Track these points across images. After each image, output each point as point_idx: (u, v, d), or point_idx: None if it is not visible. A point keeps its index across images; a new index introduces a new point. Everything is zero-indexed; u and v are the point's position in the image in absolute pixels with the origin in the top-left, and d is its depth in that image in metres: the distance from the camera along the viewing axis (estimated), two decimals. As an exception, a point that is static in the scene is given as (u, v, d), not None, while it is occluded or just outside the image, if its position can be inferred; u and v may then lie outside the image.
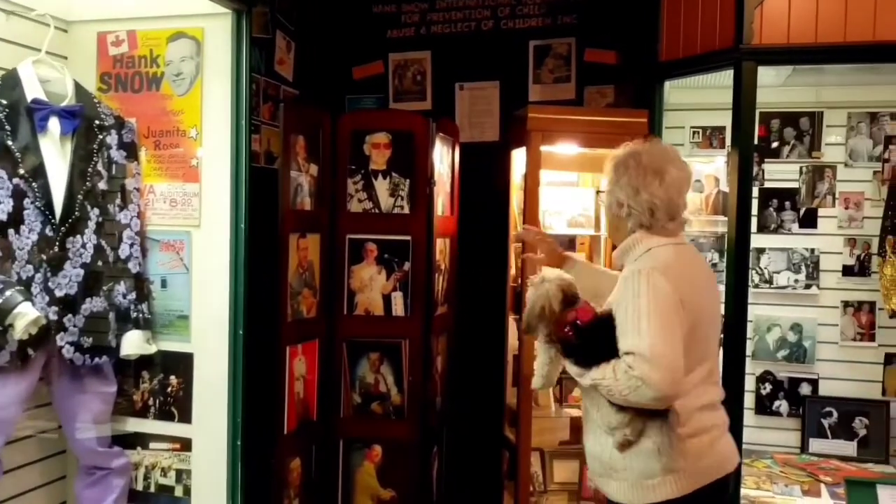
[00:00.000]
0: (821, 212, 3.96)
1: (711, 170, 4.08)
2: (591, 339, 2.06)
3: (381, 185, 3.31)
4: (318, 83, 4.06)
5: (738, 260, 3.25)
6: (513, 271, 3.61)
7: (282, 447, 3.06)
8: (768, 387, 4.05)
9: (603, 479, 2.17)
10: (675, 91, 3.64)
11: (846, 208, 3.92)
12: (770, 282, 4.00)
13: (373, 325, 3.35)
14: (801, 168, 3.94)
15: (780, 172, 3.99)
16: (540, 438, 3.52)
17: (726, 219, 4.06)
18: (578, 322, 2.09)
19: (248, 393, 3.01)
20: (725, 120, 4.03)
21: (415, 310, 3.29)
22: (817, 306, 4.00)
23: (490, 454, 3.77)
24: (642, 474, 2.05)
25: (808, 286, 3.99)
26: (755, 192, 4.05)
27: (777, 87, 3.89)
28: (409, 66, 4.22)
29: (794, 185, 3.97)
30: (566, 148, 3.43)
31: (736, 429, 3.12)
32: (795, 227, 3.99)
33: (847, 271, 3.94)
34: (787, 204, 3.99)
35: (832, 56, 3.15)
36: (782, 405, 4.05)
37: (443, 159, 3.50)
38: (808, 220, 3.98)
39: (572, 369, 2.13)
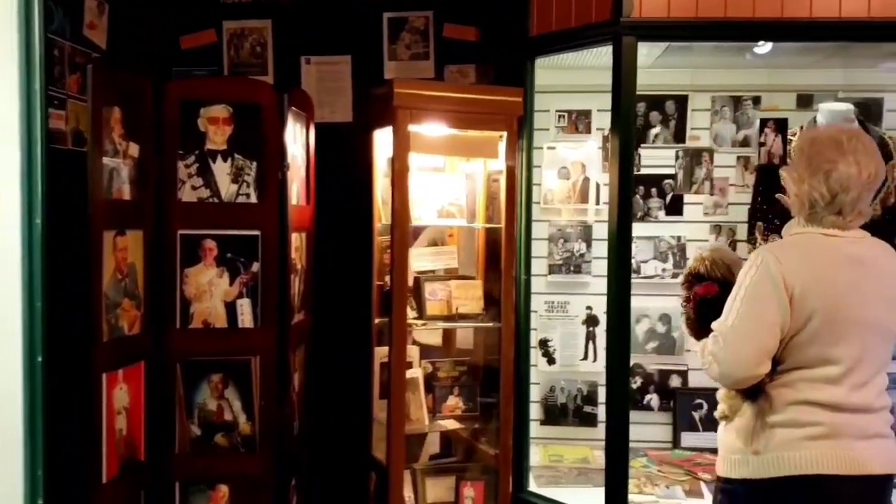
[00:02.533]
0: (687, 198, 3.85)
1: (579, 156, 3.87)
2: (703, 314, 2.21)
3: (221, 169, 2.78)
4: (138, 52, 3.43)
5: (619, 250, 3.02)
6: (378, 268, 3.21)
7: (100, 499, 2.48)
8: (639, 380, 3.90)
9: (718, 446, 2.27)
10: (540, 72, 3.37)
11: (711, 195, 3.83)
12: (638, 271, 3.85)
13: (214, 340, 2.81)
14: (676, 153, 3.80)
15: (649, 158, 3.83)
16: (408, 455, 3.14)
17: (593, 207, 3.92)
18: (698, 295, 2.26)
19: (51, 437, 2.40)
20: (592, 103, 3.87)
21: (266, 319, 2.79)
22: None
23: (357, 478, 3.34)
24: (729, 448, 2.17)
25: (675, 275, 3.86)
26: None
27: (644, 69, 3.71)
28: (246, 35, 3.69)
29: (666, 171, 3.82)
30: (435, 129, 3.05)
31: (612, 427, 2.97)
32: (662, 214, 3.86)
33: (713, 259, 3.85)
34: (654, 191, 3.84)
35: (713, 32, 2.97)
36: (653, 399, 3.91)
37: (296, 138, 3.02)
38: (675, 208, 3.86)
39: (691, 340, 2.40)
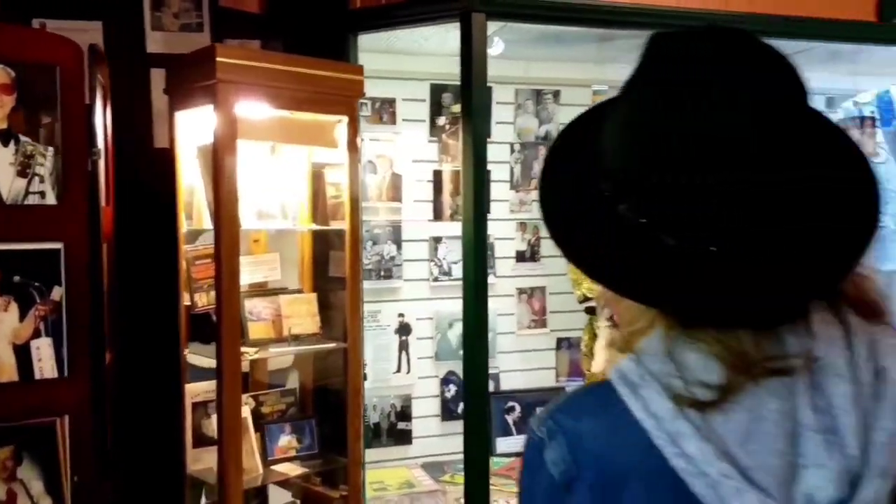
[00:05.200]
0: (494, 195, 3.66)
1: (385, 149, 3.49)
2: None
3: (1, 158, 1.95)
4: None
5: (476, 251, 2.73)
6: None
7: None
8: (452, 388, 3.64)
9: None
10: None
11: (517, 191, 3.69)
12: (449, 273, 3.59)
13: (-10, 397, 1.98)
14: (511, 146, 3.59)
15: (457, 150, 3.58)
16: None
17: (402, 205, 3.57)
18: None
19: None
20: (397, 91, 3.51)
21: (76, 364, 2.03)
22: (495, 296, 3.70)
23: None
24: None
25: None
26: (430, 174, 3.58)
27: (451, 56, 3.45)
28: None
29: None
30: (259, 110, 2.49)
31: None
32: (471, 212, 3.63)
33: (520, 257, 3.73)
34: (463, 187, 3.60)
35: (571, 15, 2.79)
36: (468, 408, 3.68)
37: (101, 115, 2.25)
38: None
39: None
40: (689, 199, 0.75)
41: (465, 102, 2.71)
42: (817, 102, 3.93)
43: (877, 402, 0.74)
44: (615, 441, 0.80)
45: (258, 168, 2.71)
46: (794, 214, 0.76)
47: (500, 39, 3.06)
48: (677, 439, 0.75)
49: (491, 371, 3.72)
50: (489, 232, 3.64)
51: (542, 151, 3.65)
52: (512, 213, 3.71)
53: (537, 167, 3.63)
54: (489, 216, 3.63)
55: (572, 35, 3.07)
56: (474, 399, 2.75)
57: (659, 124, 0.75)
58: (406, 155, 3.51)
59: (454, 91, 3.53)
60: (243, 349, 2.50)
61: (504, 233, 3.70)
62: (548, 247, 3.72)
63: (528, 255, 3.73)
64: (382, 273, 3.48)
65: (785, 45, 3.01)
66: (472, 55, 2.67)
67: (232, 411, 2.37)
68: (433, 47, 3.20)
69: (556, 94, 3.71)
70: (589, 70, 3.61)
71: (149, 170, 2.85)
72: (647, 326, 0.81)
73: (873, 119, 3.56)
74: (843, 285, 0.80)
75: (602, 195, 0.80)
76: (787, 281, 0.76)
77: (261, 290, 2.80)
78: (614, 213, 0.79)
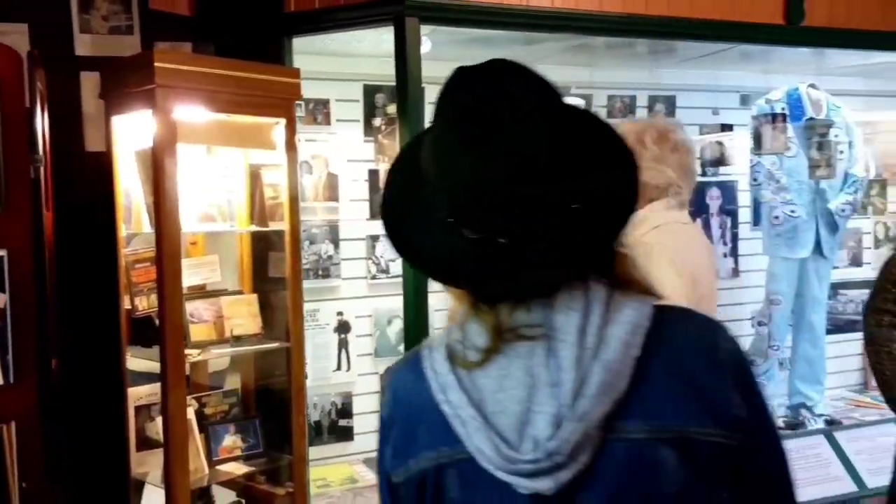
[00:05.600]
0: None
1: (319, 150, 3.53)
2: None
3: (-63, 166, 1.94)
4: None
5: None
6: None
7: None
8: (392, 386, 3.71)
9: None
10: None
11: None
12: (387, 271, 3.65)
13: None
14: None
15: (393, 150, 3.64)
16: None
17: (339, 205, 3.62)
18: None
19: None
20: (330, 92, 3.56)
21: (22, 371, 2.02)
22: (434, 292, 3.78)
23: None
24: None
25: (421, 272, 3.76)
26: (366, 174, 3.64)
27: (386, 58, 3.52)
28: None
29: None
30: (198, 114, 2.51)
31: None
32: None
33: (455, 253, 3.81)
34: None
35: (498, 19, 2.88)
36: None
37: (40, 118, 2.24)
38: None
39: None
40: (481, 203, 0.94)
41: (400, 103, 2.78)
42: (732, 100, 4.15)
43: (594, 361, 0.92)
44: (415, 391, 1.00)
45: (196, 171, 2.73)
46: (557, 213, 0.94)
47: (427, 39, 3.13)
48: (445, 390, 0.96)
49: (429, 365, 3.82)
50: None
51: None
52: (447, 211, 3.78)
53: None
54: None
55: (500, 37, 3.16)
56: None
57: (453, 151, 0.96)
58: (341, 155, 3.56)
59: (388, 92, 3.59)
60: (186, 351, 2.52)
61: (440, 230, 3.78)
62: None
63: (463, 252, 3.82)
64: (320, 272, 3.52)
65: (702, 48, 3.20)
66: (405, 58, 2.74)
67: (177, 414, 2.39)
68: (367, 49, 3.25)
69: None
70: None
71: (82, 174, 2.83)
72: (460, 304, 1.00)
73: (784, 115, 3.77)
74: (616, 266, 0.99)
75: (427, 205, 0.99)
76: (541, 265, 0.95)
77: (201, 292, 2.81)
78: (435, 218, 0.98)
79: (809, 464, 3.18)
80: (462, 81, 1.00)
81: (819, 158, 3.72)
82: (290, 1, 2.92)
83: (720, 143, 3.91)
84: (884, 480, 3.14)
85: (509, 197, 0.93)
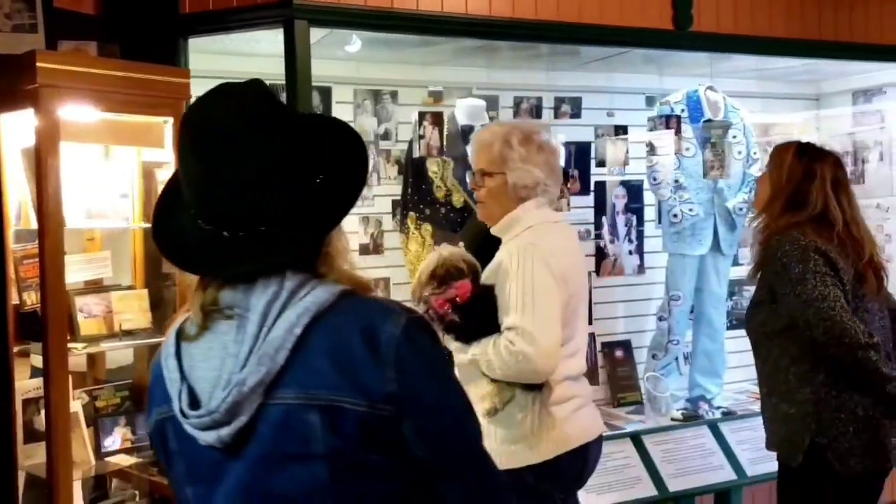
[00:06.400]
0: (336, 191, 3.81)
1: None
2: (470, 315, 2.12)
3: None
4: None
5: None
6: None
7: None
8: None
9: None
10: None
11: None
12: (294, 268, 3.71)
13: None
14: None
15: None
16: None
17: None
18: (458, 299, 2.12)
19: None
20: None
21: None
22: None
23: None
24: (505, 440, 2.13)
25: (330, 269, 3.83)
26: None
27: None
28: None
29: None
30: (85, 113, 2.56)
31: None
32: (315, 208, 3.76)
33: (363, 250, 3.89)
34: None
35: (386, 23, 2.98)
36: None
37: None
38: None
39: (452, 345, 2.17)
40: (208, 203, 1.15)
41: (290, 104, 2.85)
42: (638, 102, 4.29)
43: (263, 340, 1.11)
44: (158, 359, 1.22)
45: (88, 168, 2.78)
46: (264, 215, 1.13)
47: (356, 38, 3.20)
48: (167, 357, 1.18)
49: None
50: (333, 227, 3.83)
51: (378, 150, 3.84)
52: (355, 209, 3.85)
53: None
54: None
55: (398, 40, 3.26)
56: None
57: (188, 160, 1.16)
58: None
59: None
60: (72, 345, 2.57)
61: (347, 227, 3.83)
62: (391, 239, 3.91)
63: (372, 248, 3.91)
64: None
65: (601, 51, 3.28)
66: (294, 60, 2.82)
67: (60, 406, 2.44)
68: (265, 49, 3.32)
69: (394, 95, 3.89)
70: (423, 72, 3.83)
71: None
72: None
73: (678, 118, 3.91)
74: (320, 263, 1.18)
75: (184, 209, 1.19)
76: (246, 255, 1.14)
77: (95, 287, 2.86)
78: (188, 215, 1.18)
79: (693, 453, 3.32)
80: (199, 103, 1.19)
81: (713, 159, 3.87)
82: (186, 2, 2.98)
83: (624, 143, 4.04)
84: (763, 469, 3.31)
85: (227, 198, 1.13)
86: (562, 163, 2.34)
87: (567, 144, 4.02)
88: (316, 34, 3.06)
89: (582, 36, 3.29)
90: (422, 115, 3.52)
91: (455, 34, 3.11)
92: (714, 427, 3.47)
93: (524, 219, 2.23)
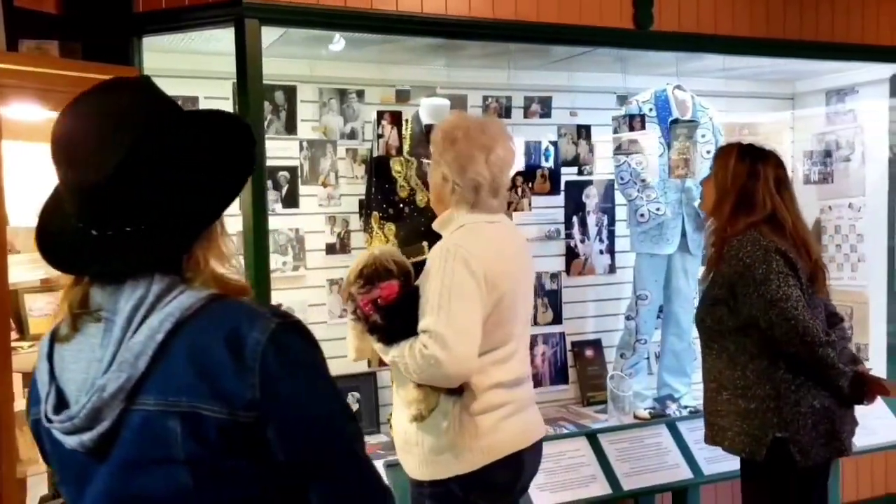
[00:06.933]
0: (302, 190, 3.83)
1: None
2: (394, 316, 2.08)
3: None
4: None
5: (257, 247, 2.90)
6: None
7: None
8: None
9: (402, 453, 2.24)
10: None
11: (325, 186, 3.86)
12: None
13: None
14: (300, 143, 3.73)
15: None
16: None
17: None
18: (379, 300, 2.10)
19: None
20: (199, 90, 3.62)
21: None
22: (306, 287, 3.89)
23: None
24: (432, 449, 2.10)
25: (296, 267, 3.84)
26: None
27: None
28: None
29: (281, 163, 3.73)
30: (33, 112, 2.57)
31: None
32: (279, 207, 3.78)
33: (330, 249, 3.90)
34: (269, 183, 3.74)
35: (337, 22, 2.99)
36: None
37: None
38: (291, 200, 3.81)
39: (376, 345, 2.15)
40: (76, 202, 1.16)
41: (241, 103, 2.86)
42: (603, 101, 4.27)
43: (127, 342, 1.12)
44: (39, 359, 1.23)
45: (38, 167, 2.78)
46: (129, 215, 1.14)
47: (340, 37, 3.19)
48: (41, 359, 1.20)
49: (304, 359, 3.90)
50: (298, 225, 3.84)
51: (343, 149, 3.84)
52: (321, 208, 3.87)
53: (324, 163, 3.80)
54: (298, 210, 3.83)
55: (361, 38, 3.26)
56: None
57: (58, 161, 1.16)
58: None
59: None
60: (19, 344, 2.58)
61: (314, 226, 3.87)
62: (357, 239, 3.91)
63: (338, 248, 3.91)
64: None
65: (564, 51, 3.24)
66: (245, 58, 2.82)
67: (4, 405, 2.45)
68: (227, 48, 3.32)
69: (360, 94, 3.89)
70: (388, 70, 3.83)
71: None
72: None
73: (643, 117, 3.91)
74: (188, 266, 1.16)
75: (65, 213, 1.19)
76: (112, 254, 1.14)
77: (49, 286, 2.87)
78: (68, 218, 1.18)
79: (650, 452, 3.31)
80: (66, 106, 1.19)
81: (677, 159, 3.86)
82: (140, 1, 2.99)
83: (588, 143, 4.04)
84: (720, 468, 3.31)
85: (88, 199, 1.13)
86: (512, 162, 2.27)
87: (536, 144, 4.03)
88: (274, 32, 3.07)
89: (540, 35, 3.28)
90: (380, 114, 3.52)
91: (411, 33, 3.10)
92: (672, 426, 3.46)
93: (457, 217, 2.19)
